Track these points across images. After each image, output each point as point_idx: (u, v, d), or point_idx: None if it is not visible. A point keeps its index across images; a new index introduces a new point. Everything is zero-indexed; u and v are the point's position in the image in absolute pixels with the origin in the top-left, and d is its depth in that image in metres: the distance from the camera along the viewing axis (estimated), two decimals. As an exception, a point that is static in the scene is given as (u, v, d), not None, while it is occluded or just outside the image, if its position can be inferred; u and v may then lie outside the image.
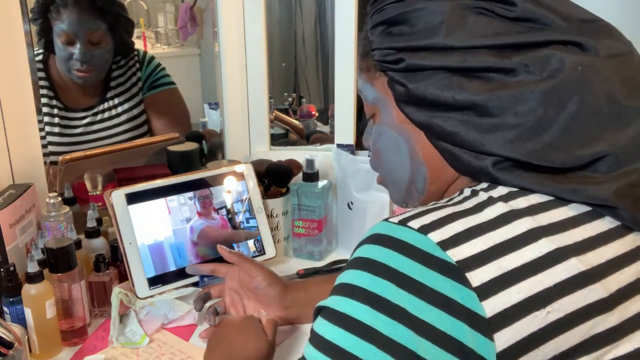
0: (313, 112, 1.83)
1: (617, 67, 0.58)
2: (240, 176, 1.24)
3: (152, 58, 1.59)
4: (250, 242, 1.22)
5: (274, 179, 1.29)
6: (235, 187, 1.23)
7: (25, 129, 1.16)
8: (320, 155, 1.38)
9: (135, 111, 1.54)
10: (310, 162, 1.29)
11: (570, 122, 0.56)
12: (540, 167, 0.56)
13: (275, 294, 1.00)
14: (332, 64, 1.40)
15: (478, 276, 0.50)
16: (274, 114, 1.68)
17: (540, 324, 0.50)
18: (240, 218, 1.22)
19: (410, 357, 0.49)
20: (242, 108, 1.45)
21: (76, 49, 1.41)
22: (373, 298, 0.51)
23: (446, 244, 0.51)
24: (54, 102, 1.45)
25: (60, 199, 1.12)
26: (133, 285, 1.08)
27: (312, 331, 0.56)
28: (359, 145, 1.38)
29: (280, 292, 1.00)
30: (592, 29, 0.61)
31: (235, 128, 1.46)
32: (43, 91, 1.41)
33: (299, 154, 1.36)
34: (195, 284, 1.13)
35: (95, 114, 1.50)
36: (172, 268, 1.13)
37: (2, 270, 0.95)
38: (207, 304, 1.07)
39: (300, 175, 1.31)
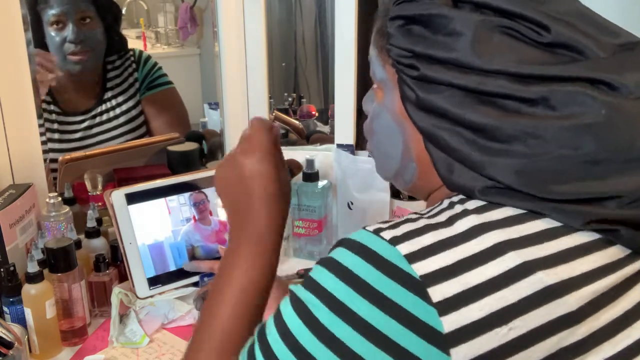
0: (313, 112, 1.83)
1: None
2: (240, 176, 1.24)
3: (149, 57, 1.59)
4: (250, 242, 1.22)
5: (274, 179, 1.29)
6: (235, 187, 1.23)
7: (25, 129, 1.16)
8: (320, 155, 1.38)
9: (133, 112, 1.54)
10: (310, 162, 1.29)
11: (583, 164, 0.54)
12: (536, 197, 0.55)
13: (274, 297, 1.00)
14: (332, 64, 1.40)
15: (440, 291, 0.49)
16: (274, 114, 1.68)
17: (501, 340, 0.49)
18: (240, 218, 1.22)
19: None
20: (242, 108, 1.45)
21: (68, 30, 1.41)
22: (333, 301, 0.52)
23: (413, 257, 0.51)
24: (52, 107, 1.45)
25: (60, 199, 1.12)
26: (133, 285, 1.08)
27: (277, 309, 0.57)
28: (359, 145, 1.38)
29: (276, 296, 1.00)
30: (627, 60, 0.57)
31: (235, 128, 1.46)
32: (41, 96, 1.41)
33: (299, 154, 1.36)
34: (195, 284, 1.13)
35: (94, 117, 1.50)
36: (172, 268, 1.13)
37: (2, 270, 0.95)
38: None
39: (300, 175, 1.31)
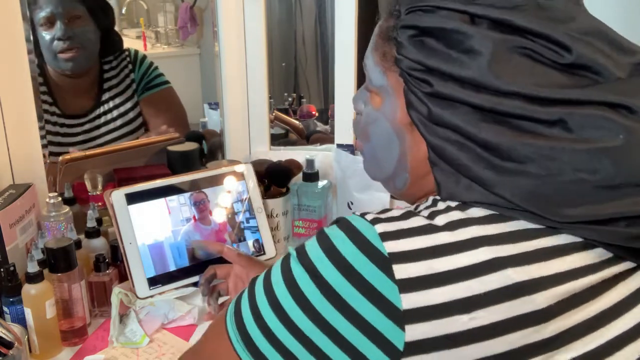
0: (313, 112, 1.83)
1: None
2: (240, 176, 1.24)
3: (144, 57, 1.59)
4: (250, 242, 1.22)
5: (274, 179, 1.29)
6: (235, 187, 1.23)
7: (25, 129, 1.16)
8: (320, 155, 1.38)
9: (131, 114, 1.54)
10: (310, 162, 1.29)
11: (599, 188, 0.54)
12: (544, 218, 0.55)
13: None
14: (332, 64, 1.40)
15: (405, 270, 0.52)
16: (274, 114, 1.68)
17: (461, 327, 0.51)
18: (240, 218, 1.22)
19: (325, 326, 0.54)
20: (242, 108, 1.45)
21: (57, 28, 1.41)
22: (312, 269, 0.56)
23: (386, 236, 0.54)
24: (53, 108, 1.45)
25: (60, 199, 1.12)
26: (133, 285, 1.08)
27: (269, 269, 0.61)
28: (359, 145, 1.38)
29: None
30: None
31: (235, 128, 1.46)
32: (42, 97, 1.41)
33: (299, 154, 1.36)
34: (195, 284, 1.13)
35: (93, 119, 1.50)
36: (172, 268, 1.13)
37: (2, 270, 0.95)
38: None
39: (300, 175, 1.31)
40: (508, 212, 0.56)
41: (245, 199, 1.24)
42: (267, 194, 1.29)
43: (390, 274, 0.52)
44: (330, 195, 1.32)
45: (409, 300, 0.52)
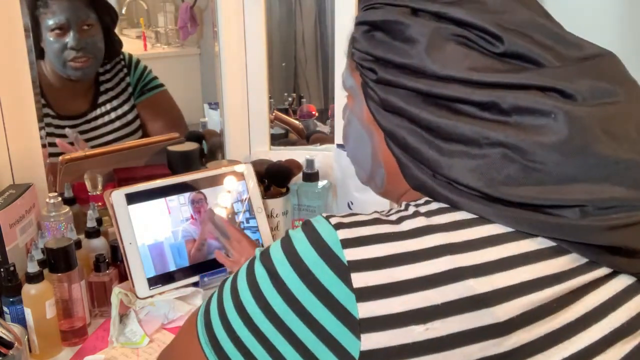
0: (313, 112, 1.83)
1: (601, 115, 0.55)
2: (240, 176, 1.24)
3: (138, 61, 1.59)
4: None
5: (274, 179, 1.29)
6: (235, 187, 1.23)
7: (25, 129, 1.16)
8: (320, 155, 1.38)
9: (129, 117, 1.54)
10: (310, 162, 1.29)
11: (536, 170, 0.54)
12: (492, 197, 0.56)
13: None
14: (332, 64, 1.41)
15: (363, 279, 0.52)
16: (274, 114, 1.68)
17: (416, 338, 0.51)
18: (240, 218, 1.22)
19: (283, 329, 0.54)
20: (242, 108, 1.45)
21: (70, 37, 1.40)
22: (274, 273, 0.56)
23: (347, 243, 0.54)
24: (47, 110, 1.44)
25: (60, 199, 1.12)
26: (133, 285, 1.08)
27: (239, 269, 0.61)
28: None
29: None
30: (582, 68, 0.57)
31: (235, 128, 1.46)
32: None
33: (299, 154, 1.36)
34: (195, 284, 1.13)
35: (88, 121, 1.50)
36: (172, 268, 1.13)
37: (2, 270, 0.95)
38: None
39: (300, 175, 1.31)
40: (459, 199, 0.56)
41: (245, 199, 1.24)
42: (267, 194, 1.29)
43: (348, 282, 0.52)
44: (330, 195, 1.32)
45: (366, 309, 0.51)
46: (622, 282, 0.57)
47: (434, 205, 0.58)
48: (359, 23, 0.67)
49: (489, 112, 0.57)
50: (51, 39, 1.41)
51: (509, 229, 0.55)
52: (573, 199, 0.53)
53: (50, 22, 1.40)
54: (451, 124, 0.57)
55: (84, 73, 1.47)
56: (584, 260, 0.55)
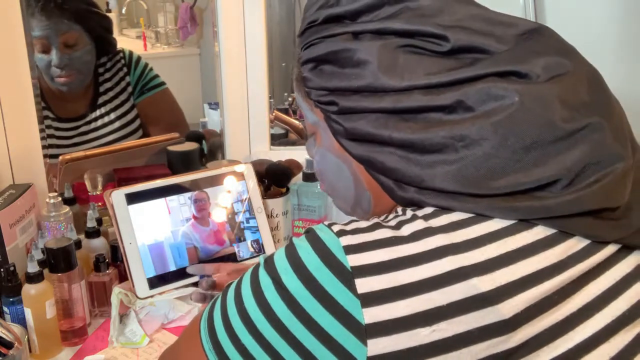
0: (313, 112, 1.83)
1: (558, 89, 0.56)
2: (240, 176, 1.24)
3: (139, 59, 1.57)
4: (250, 243, 1.22)
5: (274, 179, 1.29)
6: (235, 187, 1.23)
7: (25, 129, 1.16)
8: (320, 155, 1.38)
9: (129, 117, 1.54)
10: (310, 162, 1.29)
11: (514, 154, 0.55)
12: (481, 195, 0.56)
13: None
14: (332, 64, 1.40)
15: (368, 284, 0.52)
16: (274, 114, 1.68)
17: (422, 340, 0.51)
18: (240, 218, 1.22)
19: (289, 336, 0.54)
20: (242, 108, 1.45)
21: (52, 55, 1.39)
22: (278, 281, 0.56)
23: (350, 249, 0.54)
24: (46, 112, 1.43)
25: (60, 199, 1.12)
26: (133, 285, 1.08)
27: (240, 277, 0.61)
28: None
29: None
30: (528, 48, 0.59)
31: (235, 128, 1.46)
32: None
33: (299, 154, 1.36)
34: (195, 284, 1.13)
35: (89, 122, 1.49)
36: (172, 268, 1.13)
37: (2, 270, 0.95)
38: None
39: (300, 175, 1.31)
40: (451, 203, 0.56)
41: (245, 199, 1.24)
42: (267, 194, 1.29)
43: (352, 288, 0.52)
44: (330, 195, 1.32)
45: (371, 315, 0.51)
46: (620, 269, 0.58)
47: (430, 209, 0.58)
48: (304, 62, 0.67)
49: (455, 113, 0.57)
50: (38, 55, 1.39)
51: (506, 223, 0.55)
52: (551, 175, 0.55)
53: (33, 39, 1.38)
54: (423, 137, 0.58)
55: (71, 87, 1.46)
56: (581, 245, 0.56)
